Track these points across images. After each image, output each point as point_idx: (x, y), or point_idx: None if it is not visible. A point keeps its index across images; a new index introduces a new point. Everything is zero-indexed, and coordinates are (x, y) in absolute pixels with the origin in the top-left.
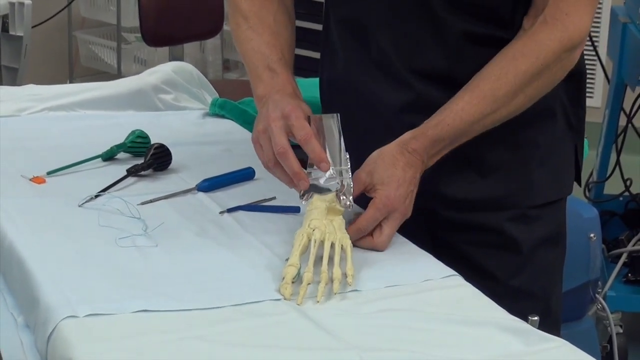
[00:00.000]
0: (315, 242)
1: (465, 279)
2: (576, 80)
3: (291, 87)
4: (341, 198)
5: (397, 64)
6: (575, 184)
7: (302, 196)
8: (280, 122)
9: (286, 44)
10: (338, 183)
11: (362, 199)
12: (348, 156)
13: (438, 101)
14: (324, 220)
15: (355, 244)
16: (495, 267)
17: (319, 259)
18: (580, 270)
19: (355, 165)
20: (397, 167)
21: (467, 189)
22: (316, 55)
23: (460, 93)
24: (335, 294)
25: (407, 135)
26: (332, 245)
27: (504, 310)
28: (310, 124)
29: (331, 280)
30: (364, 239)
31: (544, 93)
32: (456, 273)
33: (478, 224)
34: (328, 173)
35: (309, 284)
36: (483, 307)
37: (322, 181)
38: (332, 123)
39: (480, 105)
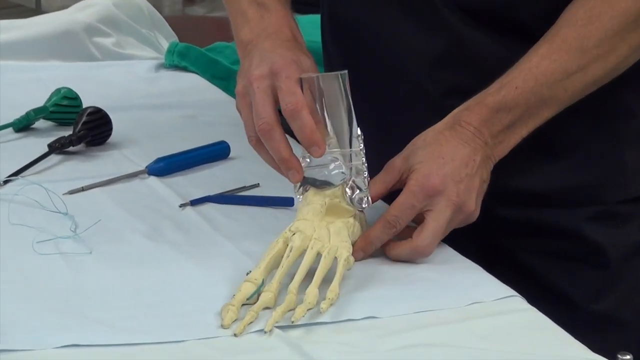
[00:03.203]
0: (291, 250)
1: (529, 302)
2: None
3: (288, 29)
4: (347, 193)
5: None
6: None
7: (296, 188)
8: (265, 81)
9: None
10: (344, 172)
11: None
12: (361, 133)
13: (489, 52)
14: (316, 222)
15: (389, 254)
16: (571, 286)
17: (292, 275)
18: None
19: (367, 152)
20: (442, 143)
21: (531, 178)
22: None
23: (534, 47)
24: (293, 322)
25: (458, 108)
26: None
27: (584, 346)
28: (302, 88)
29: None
30: (398, 244)
31: None
32: (516, 293)
33: (547, 225)
34: (330, 158)
35: (263, 309)
36: (555, 341)
37: (323, 170)
38: (337, 86)
39: (563, 59)
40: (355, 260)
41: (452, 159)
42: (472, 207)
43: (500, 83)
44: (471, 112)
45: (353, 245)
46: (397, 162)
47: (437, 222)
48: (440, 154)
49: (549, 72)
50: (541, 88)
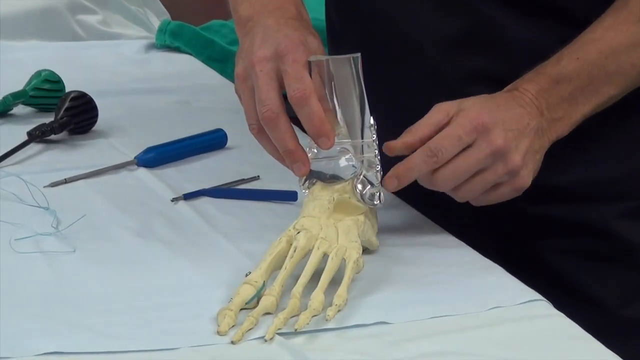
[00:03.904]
0: (295, 250)
1: (555, 306)
2: None
3: (293, 5)
4: (358, 189)
5: None
6: None
7: (302, 182)
8: (269, 64)
9: None
10: (355, 165)
11: None
12: (374, 123)
13: (513, 34)
14: (323, 219)
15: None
16: (600, 289)
17: (296, 277)
18: None
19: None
20: (497, 98)
21: (558, 170)
22: None
23: (597, 20)
24: (296, 330)
25: (517, 80)
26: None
27: (615, 355)
28: (310, 73)
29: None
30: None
31: None
32: (541, 297)
33: (574, 222)
34: (339, 150)
35: (263, 314)
36: (583, 349)
37: (332, 163)
38: (349, 70)
39: (630, 31)
40: (388, 190)
41: (506, 110)
42: (518, 162)
43: (560, 54)
44: (529, 80)
45: (363, 245)
46: (445, 105)
47: (465, 160)
48: (496, 102)
49: (614, 43)
50: (605, 60)
